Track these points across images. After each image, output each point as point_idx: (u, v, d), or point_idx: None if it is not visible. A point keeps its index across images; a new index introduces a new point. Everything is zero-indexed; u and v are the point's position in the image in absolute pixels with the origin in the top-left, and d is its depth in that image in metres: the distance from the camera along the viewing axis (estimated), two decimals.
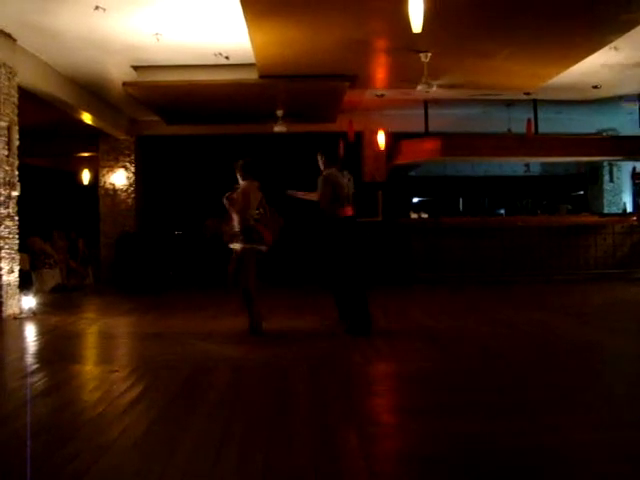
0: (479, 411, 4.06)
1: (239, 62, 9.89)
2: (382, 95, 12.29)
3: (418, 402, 4.37)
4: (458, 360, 5.75)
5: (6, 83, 8.64)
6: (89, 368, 5.89)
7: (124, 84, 10.80)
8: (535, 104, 13.00)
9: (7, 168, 8.66)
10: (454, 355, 6.01)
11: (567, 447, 3.38)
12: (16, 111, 8.89)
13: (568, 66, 10.02)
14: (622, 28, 8.20)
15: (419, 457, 3.29)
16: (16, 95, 8.90)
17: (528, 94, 12.20)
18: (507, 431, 3.63)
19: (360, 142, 14.40)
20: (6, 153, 8.63)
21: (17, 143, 8.89)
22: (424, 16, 6.88)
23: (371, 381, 5.26)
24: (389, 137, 13.93)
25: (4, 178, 8.59)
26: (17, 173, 8.90)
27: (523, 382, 4.86)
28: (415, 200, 18.22)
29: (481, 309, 9.43)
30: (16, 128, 8.87)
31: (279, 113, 12.26)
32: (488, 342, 6.57)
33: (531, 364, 5.54)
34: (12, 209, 8.79)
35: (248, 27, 7.99)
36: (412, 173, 16.98)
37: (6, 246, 8.65)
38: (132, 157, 14.57)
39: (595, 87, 11.94)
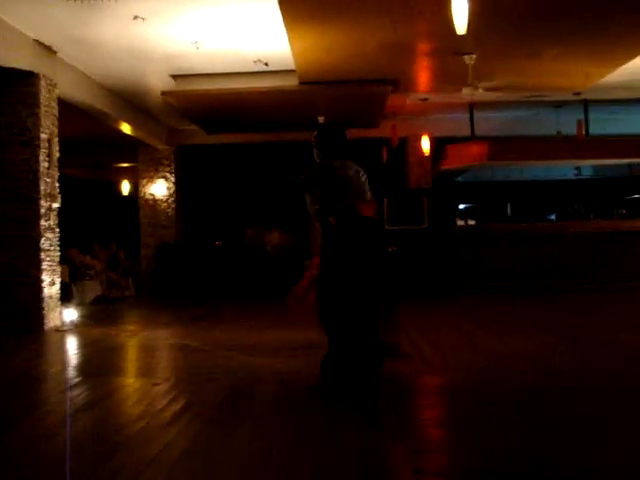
0: (536, 426, 3.87)
1: (279, 68, 9.77)
2: (426, 99, 12.07)
3: (468, 415, 4.17)
4: (511, 373, 5.48)
5: (46, 95, 8.64)
6: (131, 381, 5.89)
7: (163, 93, 10.78)
8: (586, 105, 12.60)
9: (48, 180, 8.65)
10: (507, 368, 5.72)
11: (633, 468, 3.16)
12: (56, 123, 8.90)
13: (621, 64, 9.68)
14: None
15: (471, 472, 3.14)
16: (56, 107, 8.91)
17: (578, 94, 11.84)
18: (567, 448, 3.43)
19: (404, 148, 14.16)
20: (47, 165, 8.63)
21: (57, 155, 8.90)
22: (468, 17, 6.64)
23: (419, 394, 5.13)
24: (434, 142, 13.65)
25: (45, 190, 8.58)
26: (57, 185, 8.91)
27: (582, 396, 4.60)
28: (462, 206, 17.92)
29: (532, 319, 9.10)
30: (56, 140, 8.87)
31: (321, 119, 12.12)
32: (543, 355, 6.25)
33: (591, 378, 5.28)
34: (53, 221, 8.78)
35: (288, 32, 7.88)
36: (458, 179, 16.68)
37: (47, 258, 8.62)
38: (172, 167, 14.59)
39: None
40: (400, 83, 10.43)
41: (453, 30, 6.84)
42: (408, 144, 14.22)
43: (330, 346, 5.14)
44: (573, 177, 16.19)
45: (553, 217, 16.91)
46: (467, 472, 3.17)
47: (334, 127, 5.90)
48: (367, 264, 5.06)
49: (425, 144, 13.43)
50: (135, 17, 7.57)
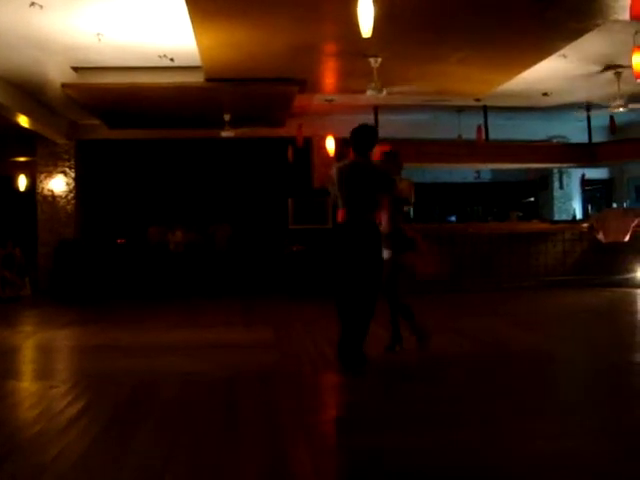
0: (430, 423, 4.02)
1: (185, 64, 9.63)
2: (331, 100, 12.18)
3: (367, 415, 4.26)
4: (407, 370, 5.69)
5: None
6: (26, 384, 5.73)
7: (63, 86, 10.44)
8: (485, 110, 13.04)
9: None
10: (403, 365, 5.91)
11: (517, 457, 3.36)
12: None
13: (518, 72, 10.10)
14: (571, 36, 8.32)
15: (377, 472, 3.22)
16: None
17: (478, 100, 12.24)
18: (458, 442, 3.60)
19: (310, 148, 14.25)
20: None
21: None
22: (374, 20, 6.74)
23: (321, 393, 5.19)
24: (339, 143, 13.78)
25: None
26: None
27: (472, 391, 4.82)
28: None
29: (431, 317, 9.31)
30: None
31: (226, 117, 12.04)
32: (438, 351, 6.38)
33: (480, 373, 5.55)
34: None
35: (194, 28, 7.77)
36: None
37: None
38: (72, 162, 14.14)
39: (545, 94, 12.05)
40: (307, 83, 10.48)
41: (359, 32, 6.93)
42: (313, 144, 14.31)
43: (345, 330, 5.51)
44: (473, 180, 16.72)
45: (453, 219, 17.38)
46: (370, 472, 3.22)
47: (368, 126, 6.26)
48: (362, 264, 5.48)
49: (330, 144, 13.55)
50: (32, 4, 7.23)
